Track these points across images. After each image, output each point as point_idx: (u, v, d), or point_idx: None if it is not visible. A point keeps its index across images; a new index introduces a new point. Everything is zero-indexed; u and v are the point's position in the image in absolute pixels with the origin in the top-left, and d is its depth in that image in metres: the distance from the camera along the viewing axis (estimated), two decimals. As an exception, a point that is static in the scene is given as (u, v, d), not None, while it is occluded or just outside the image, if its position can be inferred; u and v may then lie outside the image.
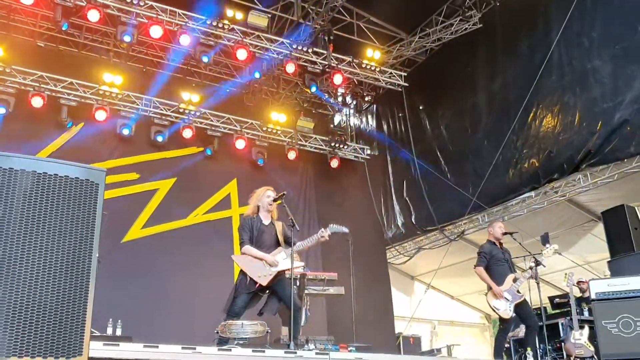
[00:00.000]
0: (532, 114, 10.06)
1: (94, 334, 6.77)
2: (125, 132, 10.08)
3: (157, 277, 9.45)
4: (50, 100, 9.55)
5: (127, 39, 9.32)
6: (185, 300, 9.40)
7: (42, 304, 2.25)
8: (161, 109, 10.46)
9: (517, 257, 7.77)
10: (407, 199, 12.93)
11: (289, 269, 5.82)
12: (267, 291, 5.97)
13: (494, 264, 7.22)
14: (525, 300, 7.10)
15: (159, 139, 10.40)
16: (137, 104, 10.26)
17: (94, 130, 9.92)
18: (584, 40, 9.29)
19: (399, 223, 13.03)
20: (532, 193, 10.36)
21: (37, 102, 9.35)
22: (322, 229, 6.10)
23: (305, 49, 10.47)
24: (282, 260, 5.86)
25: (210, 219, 10.63)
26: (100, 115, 9.78)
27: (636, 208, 8.65)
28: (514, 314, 7.05)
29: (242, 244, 5.93)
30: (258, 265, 5.78)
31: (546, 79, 9.81)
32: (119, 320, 7.85)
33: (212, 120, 10.92)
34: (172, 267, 9.68)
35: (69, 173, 2.46)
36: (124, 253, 9.41)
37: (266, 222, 6.07)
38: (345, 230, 6.27)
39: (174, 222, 10.25)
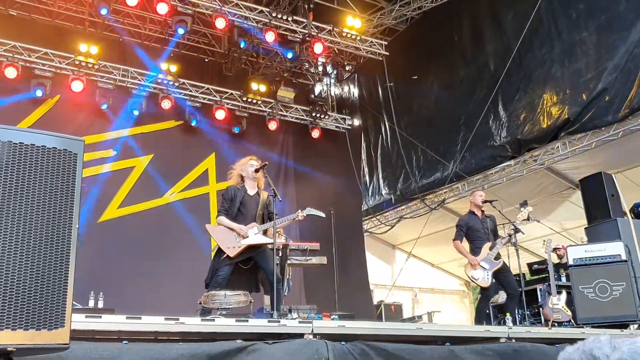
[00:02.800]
0: (520, 86, 10.05)
1: (76, 307, 6.75)
2: (104, 107, 9.93)
3: (135, 256, 9.35)
4: (24, 71, 9.34)
5: (103, 12, 9.13)
6: (165, 277, 9.36)
7: (22, 275, 2.23)
8: (139, 80, 10.30)
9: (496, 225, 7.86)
10: (388, 168, 12.96)
11: (263, 244, 5.83)
12: (249, 263, 5.98)
13: (472, 234, 7.33)
14: (507, 268, 7.20)
15: (135, 112, 10.25)
16: (114, 75, 10.09)
17: (69, 103, 9.75)
18: (572, 12, 9.27)
19: (383, 192, 13.09)
20: (512, 161, 10.45)
21: (10, 73, 9.14)
22: (300, 211, 6.15)
23: (284, 17, 10.33)
24: (254, 235, 5.84)
25: (186, 197, 10.51)
26: (77, 86, 9.59)
27: (613, 175, 8.75)
28: (494, 281, 7.16)
29: (218, 213, 5.95)
30: (229, 237, 5.78)
31: (536, 50, 9.79)
32: (101, 293, 7.85)
33: (191, 91, 10.79)
34: (150, 246, 9.60)
35: (46, 143, 2.41)
36: (102, 233, 9.31)
37: (251, 192, 6.06)
38: (322, 214, 6.39)
39: (151, 202, 10.11)
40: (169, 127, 10.72)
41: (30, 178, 2.33)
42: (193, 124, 10.71)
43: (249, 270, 6.05)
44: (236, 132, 11.18)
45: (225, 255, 5.75)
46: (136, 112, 10.25)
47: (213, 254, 6.18)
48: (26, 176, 2.32)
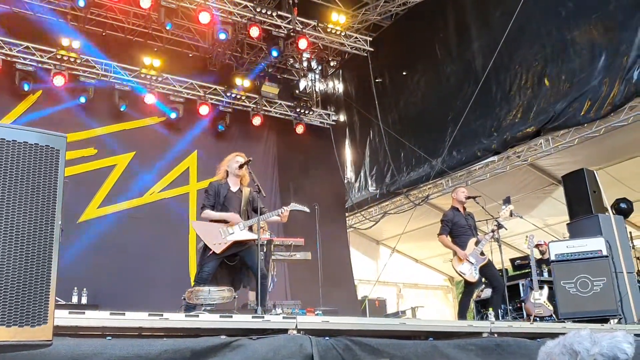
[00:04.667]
0: (508, 83, 10.07)
1: (59, 303, 6.70)
2: (82, 99, 9.83)
3: (117, 255, 9.27)
4: (5, 66, 9.22)
5: (81, 3, 9.05)
6: (148, 274, 9.34)
7: (3, 272, 2.21)
8: (122, 74, 10.21)
9: (479, 221, 7.92)
10: (374, 164, 12.99)
11: (249, 239, 5.83)
12: (235, 260, 5.97)
13: (457, 230, 7.38)
14: (490, 262, 7.27)
15: (122, 108, 10.17)
16: (97, 69, 10.00)
17: (51, 100, 9.63)
18: (561, 10, 9.32)
19: (369, 188, 13.11)
20: (495, 157, 10.51)
21: (-9, 66, 9.03)
22: (283, 207, 6.15)
23: (269, 13, 10.30)
24: (239, 230, 5.83)
25: (166, 197, 10.43)
26: (59, 81, 9.49)
27: (595, 172, 8.85)
28: (479, 277, 7.22)
29: (202, 207, 5.92)
30: (214, 233, 5.76)
31: (525, 49, 9.78)
32: (85, 289, 7.80)
33: (174, 86, 10.72)
34: (131, 245, 9.55)
35: (28, 139, 2.39)
36: (82, 233, 9.20)
37: (234, 188, 6.04)
38: (306, 209, 6.38)
39: (131, 201, 10.04)
40: (151, 123, 10.64)
41: (11, 174, 2.31)
42: (173, 116, 10.64)
43: (234, 266, 6.04)
44: (220, 130, 11.13)
45: (211, 252, 5.74)
46: (122, 109, 10.16)
47: (194, 251, 6.15)
48: (7, 172, 2.30)
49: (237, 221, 5.82)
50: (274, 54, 10.58)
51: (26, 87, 9.32)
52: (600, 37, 8.69)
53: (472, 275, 7.10)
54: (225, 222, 5.84)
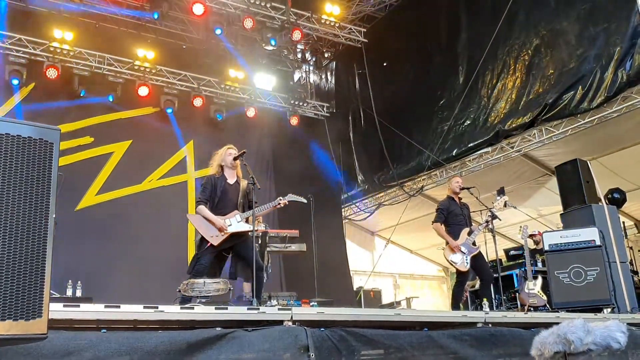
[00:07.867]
0: (499, 74, 10.08)
1: (54, 296, 6.69)
2: (82, 93, 9.80)
3: (113, 244, 9.25)
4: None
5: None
6: (143, 265, 9.29)
7: (-3, 266, 2.20)
8: (115, 66, 10.16)
9: (474, 211, 7.94)
10: (367, 156, 12.97)
11: (245, 231, 5.83)
12: (231, 251, 5.98)
13: (452, 219, 7.39)
14: (480, 253, 7.29)
15: (110, 98, 10.14)
16: (90, 61, 9.94)
17: (45, 93, 9.59)
18: (550, 0, 9.32)
19: (362, 180, 13.10)
20: (489, 148, 10.53)
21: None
22: (280, 197, 6.17)
23: (263, 4, 10.25)
24: (237, 223, 5.84)
25: (165, 185, 10.46)
26: (52, 73, 9.44)
27: (588, 162, 8.87)
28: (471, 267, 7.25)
29: (198, 202, 5.91)
30: (211, 225, 5.77)
31: (516, 39, 9.79)
32: (79, 282, 7.77)
33: (168, 78, 10.68)
34: (128, 234, 9.53)
35: (21, 132, 2.38)
36: (79, 221, 9.18)
37: (231, 180, 6.03)
38: (303, 200, 6.43)
39: (129, 188, 10.05)
40: (147, 113, 10.64)
41: (5, 168, 2.30)
42: (168, 111, 10.64)
43: (229, 258, 6.05)
44: (219, 119, 11.10)
45: (208, 244, 5.74)
46: (110, 99, 10.13)
47: (192, 241, 6.15)
48: (0, 166, 2.29)
49: (223, 226, 5.80)
50: (272, 43, 10.51)
51: (19, 80, 9.27)
52: (591, 27, 8.69)
53: (464, 265, 7.13)
54: (222, 214, 5.83)
